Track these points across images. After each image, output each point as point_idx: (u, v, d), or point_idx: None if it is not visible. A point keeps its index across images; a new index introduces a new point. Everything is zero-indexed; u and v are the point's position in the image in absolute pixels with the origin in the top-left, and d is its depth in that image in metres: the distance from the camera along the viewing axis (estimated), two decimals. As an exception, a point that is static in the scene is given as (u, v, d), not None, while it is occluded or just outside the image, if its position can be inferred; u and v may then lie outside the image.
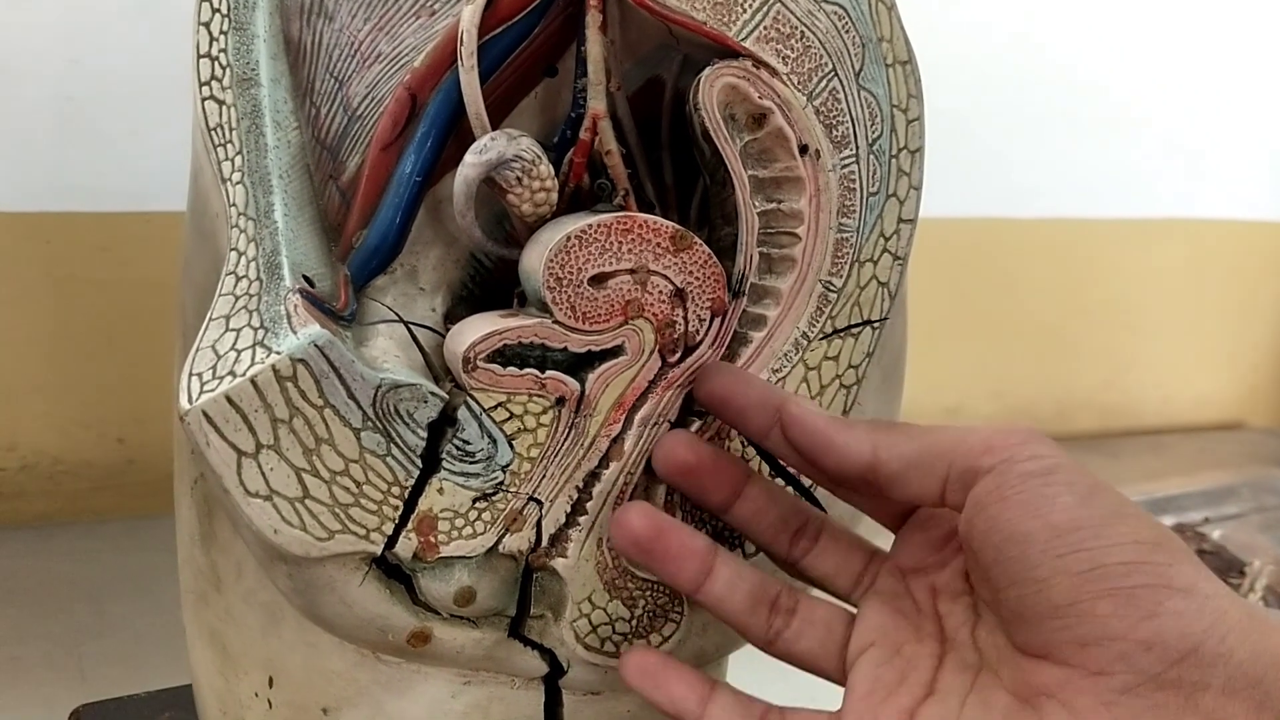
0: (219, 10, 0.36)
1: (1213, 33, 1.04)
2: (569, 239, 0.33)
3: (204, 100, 0.36)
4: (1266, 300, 1.17)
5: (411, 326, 0.34)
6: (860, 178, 0.37)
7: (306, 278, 0.33)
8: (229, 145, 0.35)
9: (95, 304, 0.75)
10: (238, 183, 0.35)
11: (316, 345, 0.30)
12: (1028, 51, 0.96)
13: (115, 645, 0.64)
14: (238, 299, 0.33)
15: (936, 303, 0.98)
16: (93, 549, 0.75)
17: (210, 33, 0.36)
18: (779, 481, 0.38)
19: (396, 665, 0.35)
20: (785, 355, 0.37)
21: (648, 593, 0.36)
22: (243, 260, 0.34)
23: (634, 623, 0.36)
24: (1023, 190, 1.01)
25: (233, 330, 0.32)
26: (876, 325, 0.39)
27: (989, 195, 1.00)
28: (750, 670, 0.39)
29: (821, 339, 0.38)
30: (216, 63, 0.36)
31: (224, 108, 0.36)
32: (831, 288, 0.38)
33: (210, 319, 0.32)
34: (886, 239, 0.39)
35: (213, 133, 0.36)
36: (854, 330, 0.39)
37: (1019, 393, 1.06)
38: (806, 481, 0.38)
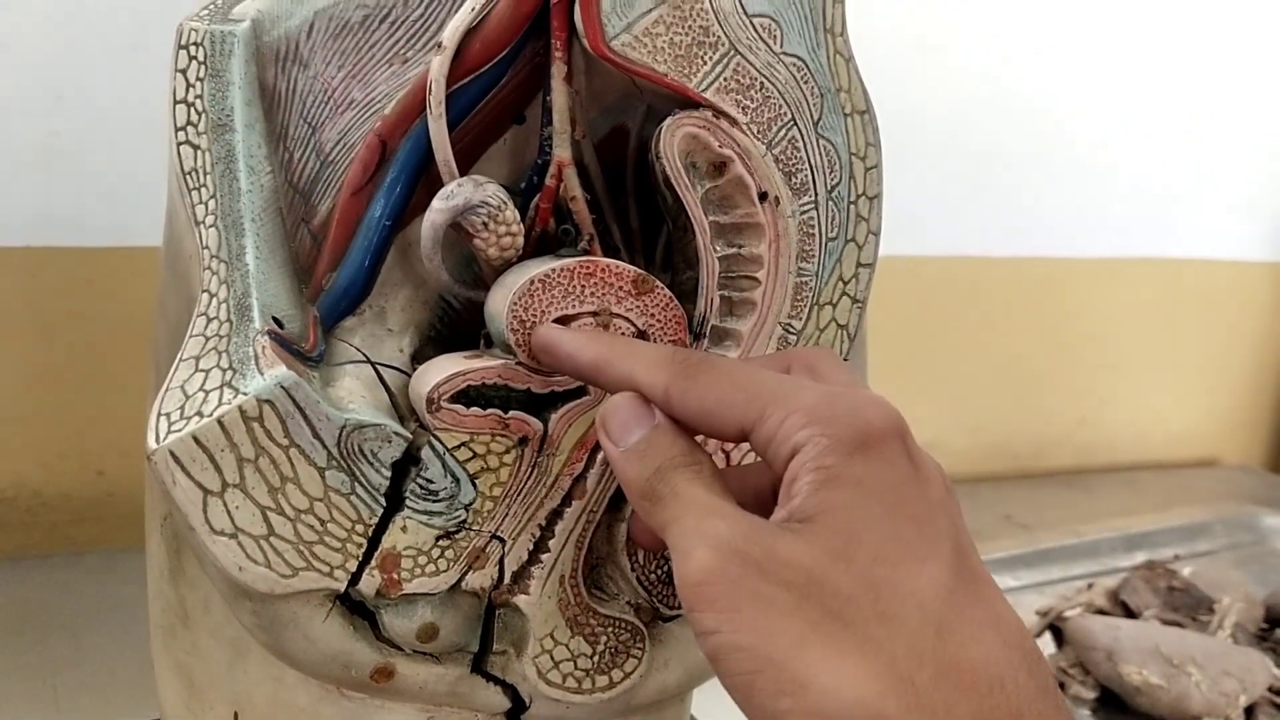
0: (196, 58, 0.37)
1: (1184, 75, 1.06)
2: (532, 283, 0.33)
3: (179, 145, 0.37)
4: (1239, 338, 1.19)
5: (379, 367, 0.35)
6: (819, 223, 0.38)
7: (276, 319, 0.34)
8: (203, 189, 0.36)
9: (78, 337, 0.76)
10: (210, 225, 0.36)
11: (282, 386, 0.31)
12: (1002, 94, 0.98)
13: (91, 677, 0.64)
14: (208, 340, 0.33)
15: (914, 339, 1.00)
16: (71, 580, 0.75)
17: (187, 79, 0.37)
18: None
19: (360, 700, 0.35)
20: (746, 396, 0.38)
21: (610, 629, 0.37)
22: (214, 302, 0.34)
23: (596, 659, 0.36)
24: (999, 230, 1.03)
25: (202, 371, 0.33)
26: (837, 366, 0.40)
27: (966, 234, 1.01)
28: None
29: (782, 380, 0.39)
30: (192, 108, 0.37)
31: (199, 152, 0.37)
32: (791, 330, 0.39)
33: (181, 359, 0.33)
34: (845, 283, 0.40)
35: (187, 176, 0.37)
36: (815, 371, 0.40)
37: (995, 429, 1.07)
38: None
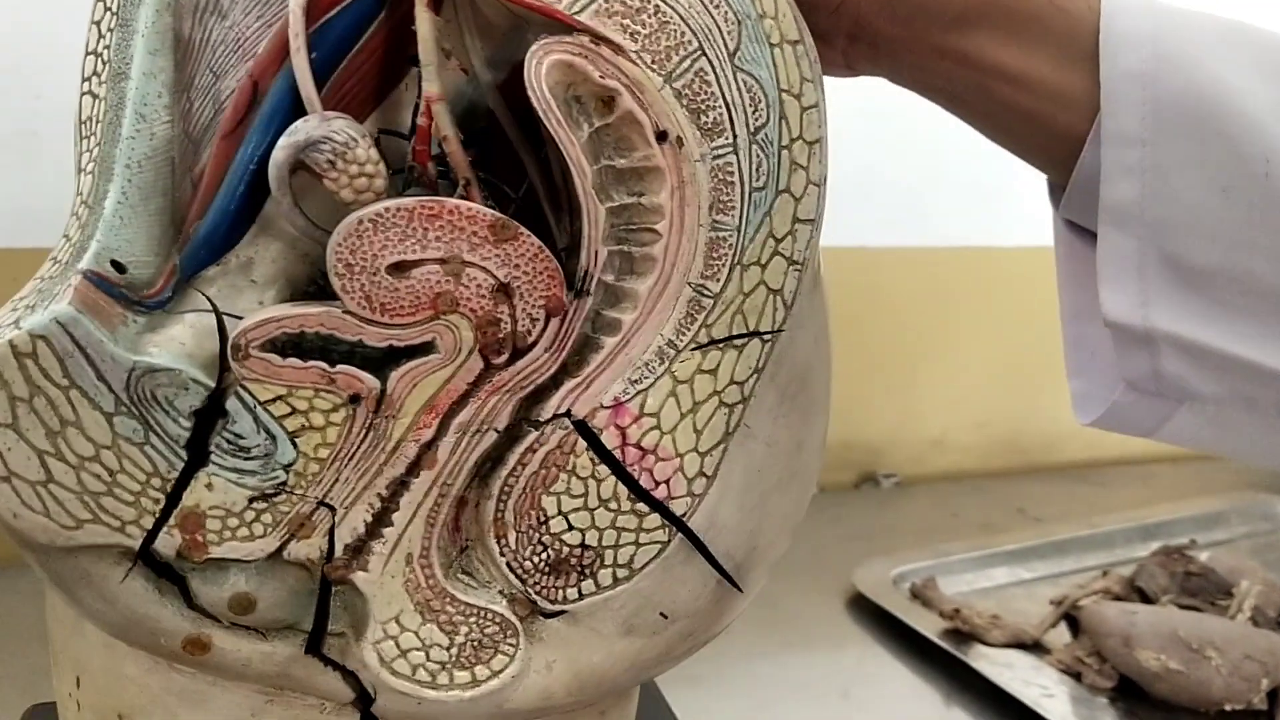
0: (110, 9, 0.28)
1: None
2: (360, 222, 0.22)
3: (82, 95, 0.28)
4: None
5: (225, 316, 0.24)
6: (740, 170, 0.26)
7: (117, 263, 0.24)
8: (92, 138, 0.27)
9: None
10: (89, 173, 0.26)
11: (58, 322, 0.21)
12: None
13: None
14: (41, 281, 0.24)
15: (920, 333, 0.82)
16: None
17: (99, 30, 0.28)
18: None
19: (190, 676, 0.25)
20: (647, 365, 0.26)
21: (472, 619, 0.25)
22: (65, 245, 0.25)
23: (453, 651, 0.25)
24: (1006, 219, 0.83)
25: (13, 310, 0.23)
26: (767, 338, 0.27)
27: (971, 225, 0.82)
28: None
29: (694, 349, 0.26)
30: (100, 59, 0.28)
31: (96, 101, 0.28)
32: (705, 292, 0.26)
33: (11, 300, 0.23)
34: (778, 240, 0.27)
35: (82, 125, 0.28)
36: (736, 342, 0.27)
37: (1003, 424, 0.87)
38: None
